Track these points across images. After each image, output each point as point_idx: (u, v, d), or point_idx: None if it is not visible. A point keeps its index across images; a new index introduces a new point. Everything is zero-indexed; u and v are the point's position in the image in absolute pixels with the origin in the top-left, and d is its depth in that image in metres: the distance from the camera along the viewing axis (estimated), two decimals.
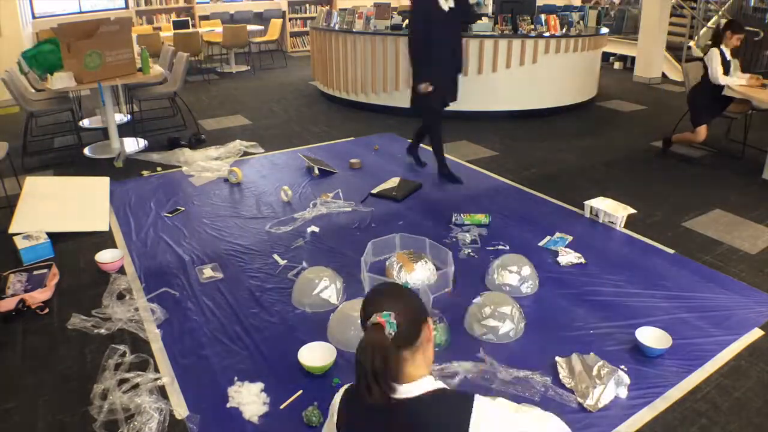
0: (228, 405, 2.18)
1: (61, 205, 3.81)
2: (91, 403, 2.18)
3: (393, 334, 1.27)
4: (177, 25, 8.99)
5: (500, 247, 3.35)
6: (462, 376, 2.29)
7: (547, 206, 4.00)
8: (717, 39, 4.79)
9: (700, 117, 4.83)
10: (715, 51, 4.74)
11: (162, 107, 6.54)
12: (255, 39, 9.63)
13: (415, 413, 1.28)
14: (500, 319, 2.56)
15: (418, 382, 1.31)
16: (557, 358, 2.39)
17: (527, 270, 2.95)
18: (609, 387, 2.19)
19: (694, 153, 5.15)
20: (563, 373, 2.31)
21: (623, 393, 2.21)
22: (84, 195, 4.03)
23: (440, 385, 1.34)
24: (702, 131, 4.80)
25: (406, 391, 1.30)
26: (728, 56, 4.80)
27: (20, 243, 3.23)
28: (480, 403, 1.28)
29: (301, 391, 2.23)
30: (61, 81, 4.56)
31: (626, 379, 2.25)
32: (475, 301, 2.68)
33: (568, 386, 2.25)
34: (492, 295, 2.71)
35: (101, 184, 4.18)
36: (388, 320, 1.27)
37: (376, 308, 1.31)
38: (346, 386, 1.43)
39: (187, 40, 8.04)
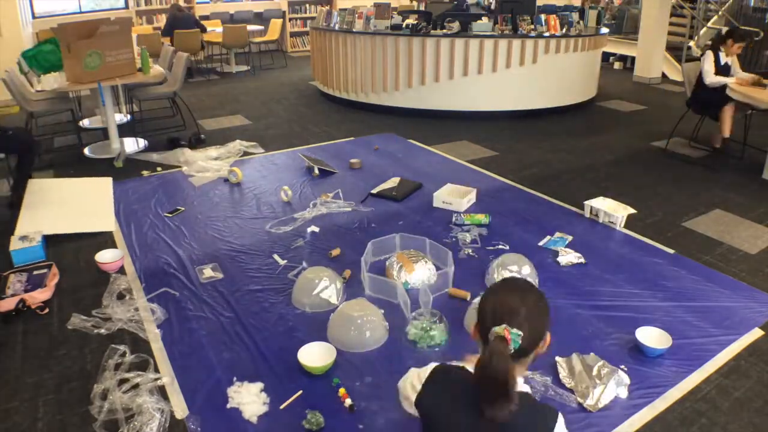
0: (228, 406, 2.17)
1: (64, 206, 3.81)
2: (91, 403, 2.18)
3: (512, 350, 1.25)
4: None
5: (500, 247, 3.35)
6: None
7: (547, 206, 4.00)
8: (717, 43, 4.90)
9: (712, 109, 4.90)
10: (709, 53, 4.85)
11: (162, 107, 6.54)
12: (255, 39, 9.63)
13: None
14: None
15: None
16: (557, 358, 2.39)
17: (527, 269, 2.96)
18: (609, 387, 2.19)
19: (694, 153, 5.15)
20: (563, 373, 2.31)
21: (623, 393, 2.21)
22: (87, 196, 4.03)
23: (527, 388, 1.36)
24: (725, 122, 4.83)
25: None
26: (723, 59, 4.86)
27: (14, 244, 3.23)
28: (562, 420, 1.30)
29: (301, 392, 2.23)
30: (52, 82, 4.57)
31: (626, 379, 2.26)
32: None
33: (568, 386, 2.25)
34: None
35: (104, 184, 4.18)
36: (514, 338, 1.24)
37: (509, 318, 1.27)
38: (441, 365, 1.42)
39: (187, 40, 8.05)
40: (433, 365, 1.43)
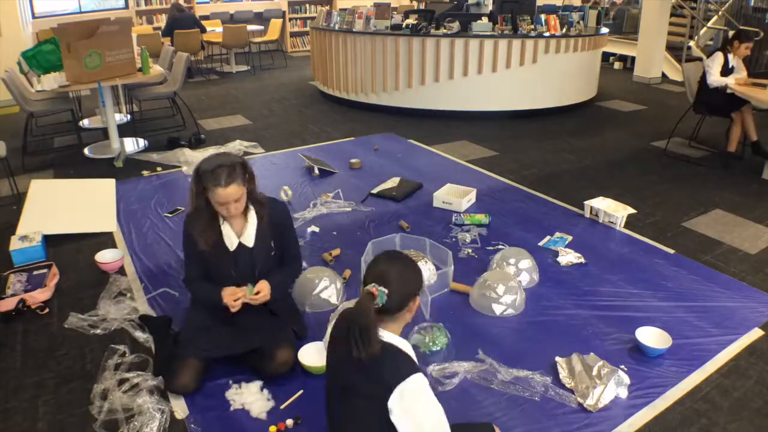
0: (232, 408, 2.17)
1: (67, 206, 3.81)
2: (91, 403, 2.18)
3: (380, 305, 1.50)
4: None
5: (500, 247, 3.35)
6: (462, 376, 2.30)
7: (547, 206, 4.00)
8: (725, 45, 4.88)
9: (722, 109, 4.87)
10: (718, 54, 4.81)
11: (162, 107, 6.54)
12: (255, 39, 9.63)
13: (378, 356, 1.49)
14: (512, 292, 2.75)
15: (386, 333, 1.55)
16: (557, 358, 2.39)
17: (527, 263, 3.00)
18: (609, 387, 2.19)
19: (694, 153, 5.15)
20: (563, 374, 2.31)
21: (623, 393, 2.21)
22: (90, 196, 4.03)
23: (403, 345, 1.57)
24: (749, 125, 4.77)
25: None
26: (731, 62, 4.84)
27: (14, 244, 3.23)
28: (418, 376, 1.49)
29: (301, 391, 2.23)
30: (52, 82, 4.57)
31: (626, 379, 2.25)
32: (479, 282, 2.85)
33: (568, 386, 2.25)
34: (492, 275, 2.85)
35: (107, 185, 4.18)
36: (381, 294, 1.50)
37: (377, 278, 1.54)
38: (342, 309, 1.69)
39: (187, 40, 8.05)
40: (340, 309, 1.70)
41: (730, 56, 4.83)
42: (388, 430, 1.50)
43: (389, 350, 1.52)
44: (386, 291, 1.50)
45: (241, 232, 2.30)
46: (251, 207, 2.30)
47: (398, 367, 1.50)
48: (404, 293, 1.56)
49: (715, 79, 4.77)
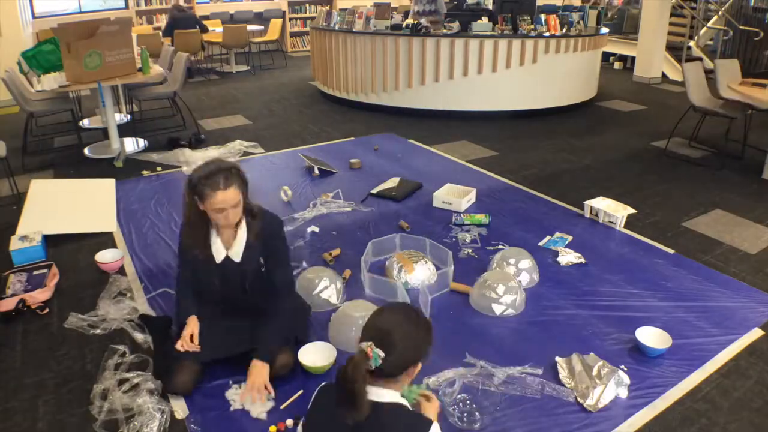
0: (232, 408, 2.17)
1: (67, 206, 3.81)
2: (91, 403, 2.18)
3: (372, 367, 1.38)
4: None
5: (500, 247, 3.35)
6: (460, 383, 2.24)
7: (547, 206, 4.00)
8: None
9: None
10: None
11: (162, 107, 6.54)
12: (255, 39, 9.63)
13: (377, 418, 1.39)
14: (512, 292, 2.74)
15: (386, 391, 1.44)
16: (557, 359, 2.39)
17: (527, 263, 3.00)
18: (609, 387, 2.19)
19: (694, 153, 5.15)
20: (563, 374, 2.31)
21: (623, 393, 2.21)
22: (90, 196, 4.03)
23: (403, 401, 1.48)
24: None
25: (374, 393, 1.42)
26: None
27: (14, 244, 3.23)
28: (436, 428, 1.43)
29: (301, 391, 2.23)
30: (52, 82, 4.57)
31: (626, 379, 2.25)
32: (479, 282, 2.84)
33: (568, 386, 2.25)
34: (492, 275, 2.84)
35: (107, 185, 4.18)
36: (375, 357, 1.37)
37: (377, 337, 1.40)
38: (323, 384, 1.57)
39: (188, 40, 8.05)
40: (320, 386, 1.60)
41: None
42: None
43: (390, 412, 1.42)
44: (382, 355, 1.37)
45: (229, 245, 2.24)
46: (242, 220, 2.21)
47: (414, 426, 1.41)
48: (405, 361, 1.42)
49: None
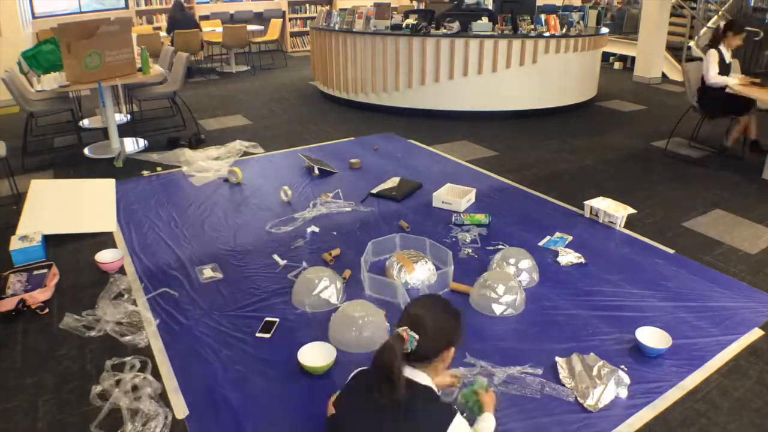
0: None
1: (67, 206, 3.81)
2: (91, 403, 2.18)
3: (409, 350, 1.48)
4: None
5: (500, 247, 3.35)
6: (461, 384, 2.24)
7: (547, 206, 4.00)
8: (716, 40, 4.79)
9: (731, 111, 4.85)
10: (712, 52, 4.74)
11: (162, 107, 6.54)
12: (255, 39, 9.63)
13: (411, 397, 1.47)
14: (512, 292, 2.74)
15: (420, 373, 1.54)
16: (557, 359, 2.39)
17: (527, 263, 3.00)
18: (609, 387, 2.19)
19: (694, 153, 5.15)
20: (563, 374, 2.31)
21: (623, 393, 2.21)
22: (90, 196, 4.03)
23: (434, 388, 1.56)
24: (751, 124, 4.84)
25: (409, 373, 1.51)
26: (728, 58, 4.79)
27: (14, 244, 3.23)
28: (459, 419, 1.53)
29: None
30: (52, 82, 4.57)
31: (626, 379, 2.25)
32: (479, 282, 2.84)
33: (568, 386, 2.25)
34: (492, 275, 2.84)
35: (107, 185, 4.18)
36: (411, 339, 1.47)
37: (411, 323, 1.51)
38: (359, 369, 1.65)
39: (188, 40, 8.05)
40: (356, 371, 1.68)
41: (724, 51, 4.74)
42: None
43: (423, 393, 1.51)
44: (417, 337, 1.47)
45: None
46: None
47: (438, 415, 1.49)
48: (437, 343, 1.53)
49: (713, 77, 4.72)
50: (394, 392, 1.44)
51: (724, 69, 4.80)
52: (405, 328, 1.49)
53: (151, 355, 2.46)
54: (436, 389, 1.59)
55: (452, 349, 1.58)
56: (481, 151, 5.23)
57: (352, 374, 1.69)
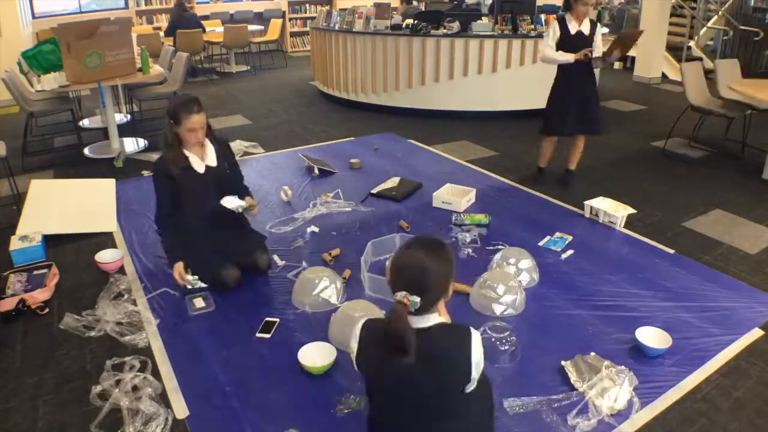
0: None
1: (67, 206, 3.81)
2: (91, 403, 2.18)
3: (413, 311, 1.48)
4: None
5: (500, 247, 3.35)
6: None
7: (547, 206, 4.00)
8: (565, 9, 3.92)
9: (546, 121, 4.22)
10: (553, 22, 3.87)
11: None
12: (255, 39, 9.63)
13: (425, 343, 1.49)
14: (512, 292, 2.74)
15: (428, 316, 1.54)
16: (563, 363, 2.36)
17: (528, 263, 3.00)
18: (624, 387, 2.18)
19: (694, 153, 5.15)
20: (573, 377, 2.28)
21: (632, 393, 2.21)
22: (90, 196, 4.03)
23: (443, 319, 1.60)
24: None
25: (417, 321, 1.52)
26: (573, 28, 3.83)
27: (14, 244, 3.22)
28: (477, 336, 1.55)
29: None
30: (52, 82, 4.57)
31: (635, 380, 2.25)
32: (479, 282, 2.83)
33: (579, 389, 2.22)
34: (492, 275, 2.84)
35: (107, 185, 4.18)
36: (413, 303, 1.46)
37: (408, 285, 1.47)
38: (368, 320, 1.63)
39: (190, 40, 8.05)
40: (362, 322, 1.63)
41: (570, 20, 3.84)
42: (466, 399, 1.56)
43: (436, 331, 1.53)
44: (418, 300, 1.46)
45: (203, 157, 2.86)
46: (206, 139, 2.85)
47: (459, 336, 1.53)
48: (438, 292, 1.54)
49: (546, 53, 3.89)
50: (408, 358, 1.46)
51: (572, 42, 3.83)
52: (404, 294, 1.46)
53: (151, 355, 2.46)
54: (445, 319, 1.62)
55: (452, 281, 1.58)
56: (481, 151, 5.23)
57: (361, 327, 1.61)
